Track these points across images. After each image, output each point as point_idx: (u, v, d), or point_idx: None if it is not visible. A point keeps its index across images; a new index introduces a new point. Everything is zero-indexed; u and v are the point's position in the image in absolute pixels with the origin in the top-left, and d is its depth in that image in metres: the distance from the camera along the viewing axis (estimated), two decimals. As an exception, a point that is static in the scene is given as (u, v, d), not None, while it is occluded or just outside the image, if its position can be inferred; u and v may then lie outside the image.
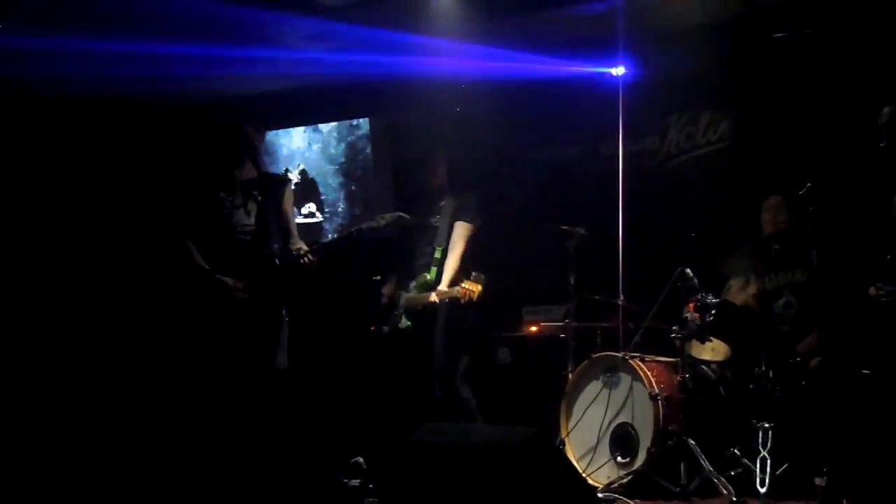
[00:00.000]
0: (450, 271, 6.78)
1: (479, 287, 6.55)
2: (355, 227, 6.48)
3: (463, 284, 6.54)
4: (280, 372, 6.20)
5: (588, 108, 8.72)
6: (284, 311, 6.33)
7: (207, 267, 6.13)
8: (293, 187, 8.67)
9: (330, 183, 10.23)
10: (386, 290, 7.03)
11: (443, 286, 6.75)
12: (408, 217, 6.37)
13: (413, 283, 6.90)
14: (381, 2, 8.16)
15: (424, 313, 6.86)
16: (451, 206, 6.91)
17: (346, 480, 6.27)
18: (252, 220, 6.26)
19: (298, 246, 6.29)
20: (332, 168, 10.25)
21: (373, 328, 7.44)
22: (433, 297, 6.72)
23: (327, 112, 10.33)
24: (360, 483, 6.22)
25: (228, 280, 6.06)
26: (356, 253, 6.64)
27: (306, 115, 10.39)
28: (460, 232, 6.71)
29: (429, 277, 6.76)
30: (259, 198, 6.25)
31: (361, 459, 6.35)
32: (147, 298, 8.60)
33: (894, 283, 5.83)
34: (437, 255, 6.70)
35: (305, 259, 6.12)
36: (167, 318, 7.90)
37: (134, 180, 9.35)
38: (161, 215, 6.66)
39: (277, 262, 6.15)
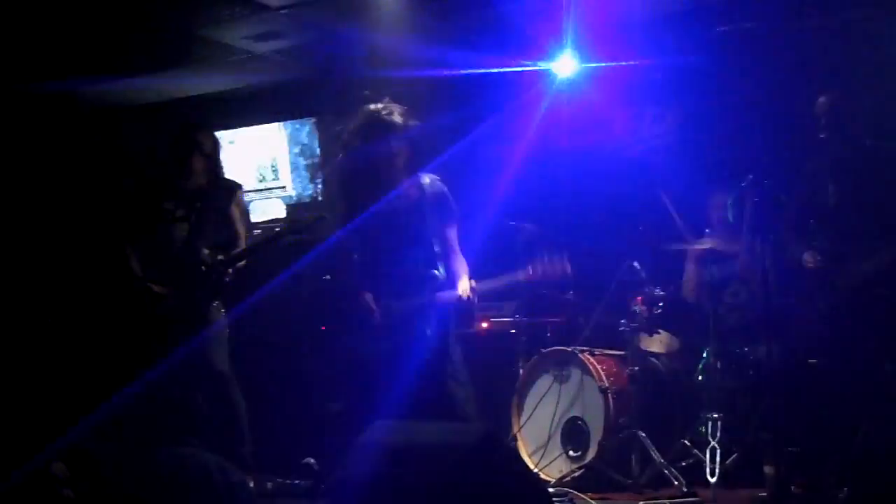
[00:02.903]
0: (464, 272, 6.18)
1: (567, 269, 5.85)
2: (276, 231, 6.39)
3: (539, 266, 5.75)
4: (220, 373, 6.16)
5: (534, 104, 8.74)
6: (224, 314, 6.28)
7: (140, 274, 6.08)
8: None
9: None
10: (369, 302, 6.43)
11: (465, 281, 5.91)
12: (327, 217, 6.18)
13: (414, 287, 6.25)
14: (327, 1, 8.14)
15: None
16: (430, 196, 6.27)
17: (297, 482, 6.27)
18: (193, 229, 6.21)
19: (220, 258, 6.17)
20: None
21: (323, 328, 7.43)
22: (465, 292, 5.80)
23: (275, 113, 10.30)
24: (311, 484, 6.21)
25: (156, 287, 6.01)
26: (296, 255, 6.52)
27: (251, 116, 10.34)
28: (453, 236, 6.21)
29: (439, 275, 6.13)
30: (199, 205, 6.19)
31: (313, 460, 6.33)
32: (84, 300, 8.51)
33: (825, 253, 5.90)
34: (437, 248, 6.11)
35: (221, 269, 6.06)
36: (99, 320, 7.82)
37: (82, 182, 9.27)
38: (105, 220, 6.59)
39: (204, 269, 6.09)
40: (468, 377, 6.16)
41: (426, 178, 5.96)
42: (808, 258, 6.05)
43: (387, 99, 5.99)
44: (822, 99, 6.03)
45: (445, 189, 5.98)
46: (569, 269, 5.86)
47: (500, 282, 5.99)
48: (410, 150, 5.94)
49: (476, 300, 5.81)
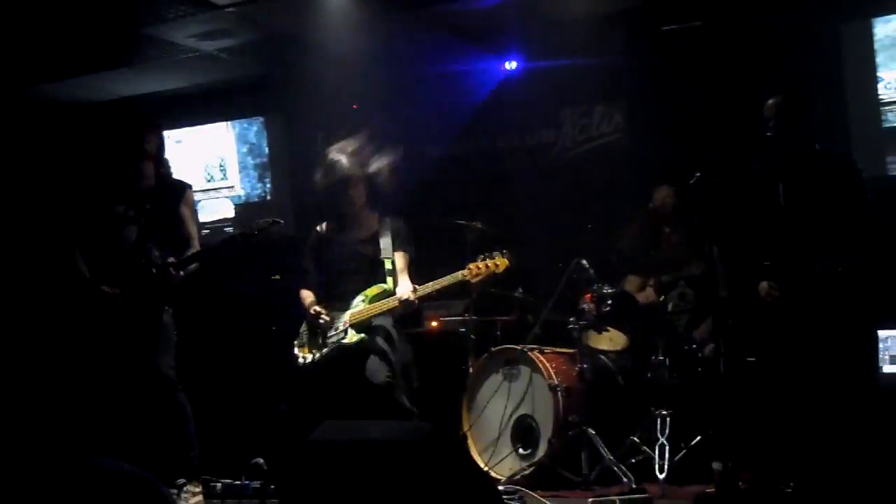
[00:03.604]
0: (408, 286, 6.43)
1: (506, 262, 6.21)
2: (228, 235, 6.36)
3: (476, 265, 6.17)
4: (167, 375, 6.11)
5: (484, 103, 8.77)
6: (172, 316, 6.23)
7: (88, 276, 6.02)
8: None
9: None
10: (321, 310, 6.48)
11: (409, 288, 6.34)
12: (282, 223, 6.22)
13: (361, 298, 6.40)
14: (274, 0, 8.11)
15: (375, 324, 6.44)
16: (387, 227, 6.57)
17: (246, 482, 6.22)
18: (142, 231, 6.15)
19: (170, 260, 6.13)
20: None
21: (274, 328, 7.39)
22: (407, 294, 6.24)
23: (222, 112, 10.25)
24: (260, 484, 6.17)
25: (106, 288, 5.96)
26: (246, 257, 6.53)
27: (199, 115, 10.28)
28: (404, 262, 6.52)
29: (386, 287, 6.42)
30: (149, 207, 6.14)
31: (262, 460, 6.29)
32: (30, 302, 8.40)
33: (783, 279, 5.94)
34: (389, 265, 6.47)
35: (171, 271, 6.03)
36: (48, 322, 7.72)
37: (28, 183, 9.15)
38: (52, 221, 6.50)
39: (154, 271, 6.04)
40: (416, 375, 6.34)
41: (386, 216, 6.59)
42: (765, 289, 6.06)
43: (342, 144, 6.55)
44: (771, 101, 6.06)
45: (403, 224, 6.59)
46: (508, 263, 6.02)
47: (441, 283, 6.27)
48: (369, 188, 6.53)
49: (416, 303, 6.29)
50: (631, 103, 8.57)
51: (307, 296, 6.59)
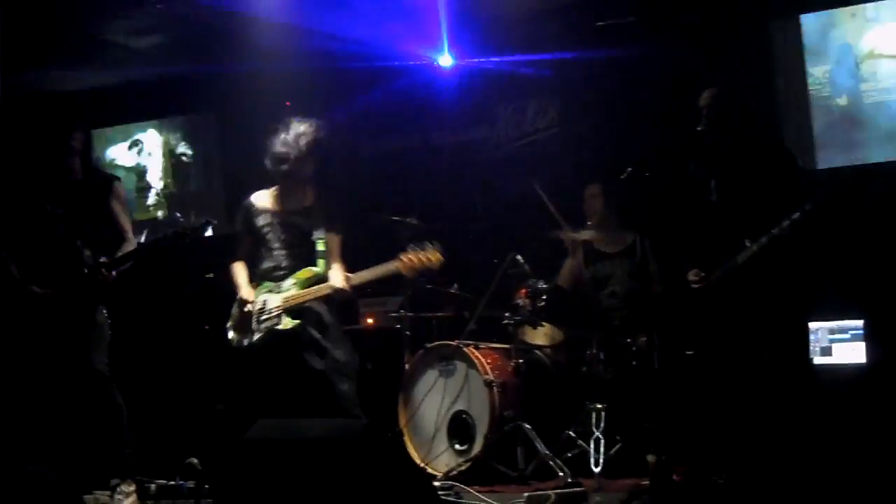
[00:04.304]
0: (340, 271, 6.36)
1: (439, 256, 6.11)
2: (162, 233, 6.28)
3: (409, 256, 6.06)
4: (100, 374, 6.04)
5: (418, 99, 8.77)
6: (106, 314, 6.16)
7: (18, 276, 5.94)
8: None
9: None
10: (246, 295, 6.37)
11: (342, 276, 6.21)
12: (215, 223, 6.17)
13: (292, 281, 6.27)
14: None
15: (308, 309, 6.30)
16: (321, 201, 6.48)
17: (180, 482, 6.17)
18: (71, 228, 6.07)
19: (102, 260, 6.06)
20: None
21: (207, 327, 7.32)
22: (341, 283, 6.13)
23: (153, 108, 10.15)
24: (195, 484, 6.12)
25: (36, 288, 5.88)
26: (180, 255, 6.46)
27: (128, 112, 10.19)
28: (336, 244, 6.43)
29: (318, 271, 6.31)
30: (76, 204, 6.06)
31: (196, 460, 6.23)
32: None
33: (711, 268, 5.99)
34: (321, 246, 6.33)
35: (103, 272, 5.96)
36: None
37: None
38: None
39: (86, 271, 5.97)
40: (353, 371, 6.29)
41: (318, 187, 6.39)
42: (693, 276, 6.12)
43: (286, 123, 6.39)
44: (706, 92, 6.11)
45: (334, 197, 6.43)
46: (441, 258, 6.00)
47: (374, 273, 6.20)
48: (303, 164, 6.33)
49: (350, 291, 6.20)
50: (565, 99, 8.61)
51: (238, 273, 6.49)
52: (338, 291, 6.19)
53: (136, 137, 10.37)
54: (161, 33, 8.67)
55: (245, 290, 6.39)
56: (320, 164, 6.43)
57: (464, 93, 8.68)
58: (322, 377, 6.15)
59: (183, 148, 10.16)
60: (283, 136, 6.33)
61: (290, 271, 6.33)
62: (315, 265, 6.29)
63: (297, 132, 6.33)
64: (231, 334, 6.44)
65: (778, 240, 5.68)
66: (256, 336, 6.31)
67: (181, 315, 8.33)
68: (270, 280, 6.36)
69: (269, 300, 6.29)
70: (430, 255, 6.07)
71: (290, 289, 6.27)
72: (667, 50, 7.94)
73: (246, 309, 6.33)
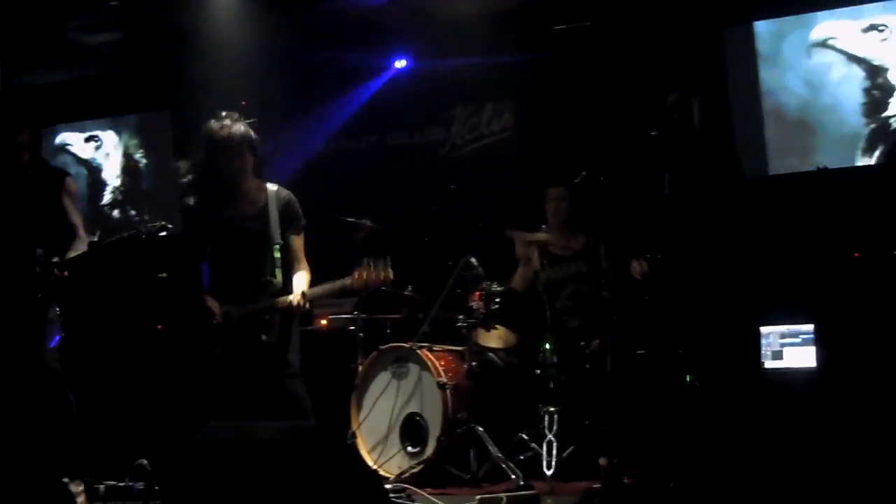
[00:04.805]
0: (305, 281, 6.18)
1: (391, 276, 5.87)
2: (116, 237, 6.20)
3: (362, 272, 5.99)
4: (52, 372, 5.98)
5: (373, 100, 8.76)
6: (58, 312, 6.10)
7: None
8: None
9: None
10: (213, 306, 5.95)
11: (302, 289, 5.89)
12: (171, 227, 6.06)
13: (252, 291, 5.90)
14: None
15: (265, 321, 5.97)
16: (275, 201, 6.26)
17: (130, 483, 6.13)
18: (21, 226, 6.01)
19: (55, 260, 5.99)
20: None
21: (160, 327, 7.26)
22: (297, 300, 5.81)
23: (106, 106, 10.08)
24: (144, 485, 6.08)
25: None
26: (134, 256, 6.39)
27: (81, 109, 10.10)
28: (298, 245, 6.20)
29: (275, 281, 6.13)
30: (26, 201, 6.00)
31: (146, 461, 6.19)
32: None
33: (660, 260, 6.02)
34: (277, 254, 6.11)
35: (55, 271, 5.90)
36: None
37: None
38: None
39: (38, 270, 5.91)
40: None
41: (273, 186, 5.99)
42: (636, 267, 6.14)
43: (226, 114, 5.97)
44: (673, 95, 6.14)
45: (292, 197, 6.02)
46: (391, 275, 5.90)
47: (327, 288, 5.95)
48: (255, 159, 5.95)
49: (307, 307, 5.89)
50: (520, 102, 8.63)
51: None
52: (294, 308, 5.85)
53: (93, 133, 10.28)
54: (116, 31, 8.59)
55: (212, 303, 5.94)
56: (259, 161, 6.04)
57: (419, 95, 8.69)
58: (279, 382, 6.02)
59: (137, 147, 10.09)
60: (219, 132, 5.86)
61: (249, 279, 5.96)
62: (274, 275, 5.94)
63: (234, 130, 5.88)
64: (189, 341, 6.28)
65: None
66: (223, 349, 6.11)
67: (133, 314, 8.27)
68: (230, 291, 5.96)
69: (231, 312, 5.93)
70: (381, 273, 5.91)
71: (250, 301, 5.90)
72: (622, 54, 7.99)
73: (213, 321, 5.98)
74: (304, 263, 6.02)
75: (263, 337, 5.89)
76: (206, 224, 5.99)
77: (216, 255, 6.04)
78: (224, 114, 5.99)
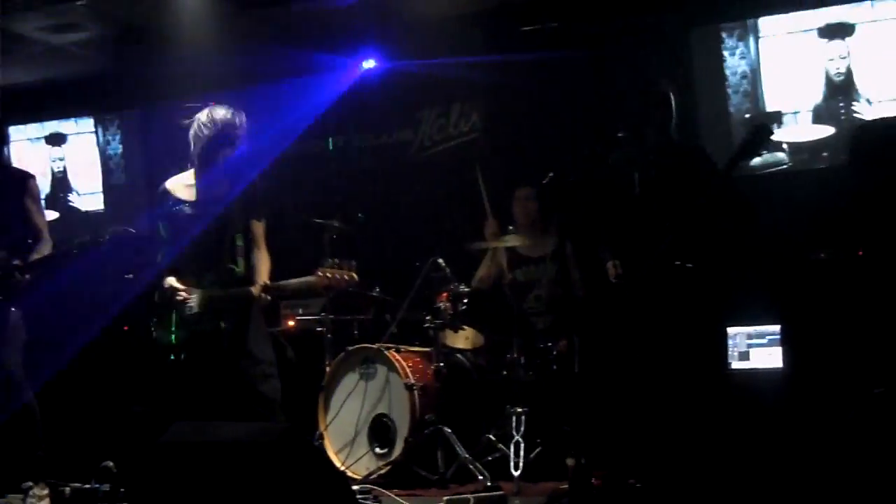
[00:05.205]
0: (265, 269, 6.15)
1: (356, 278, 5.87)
2: (78, 240, 6.15)
3: (327, 272, 5.96)
4: (13, 375, 5.94)
5: (341, 101, 8.73)
6: (20, 315, 6.06)
7: None
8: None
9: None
10: (173, 287, 5.85)
11: (263, 282, 5.85)
12: (134, 232, 6.04)
13: (212, 278, 5.84)
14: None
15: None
16: (237, 197, 6.24)
17: (96, 486, 6.09)
18: None
19: (17, 262, 5.97)
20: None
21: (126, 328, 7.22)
22: (257, 292, 5.80)
23: (72, 107, 10.02)
24: (110, 487, 6.05)
25: None
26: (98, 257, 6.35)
27: (50, 109, 10.04)
28: (259, 232, 6.17)
29: (237, 270, 6.09)
30: None
31: (111, 463, 6.16)
32: None
33: (632, 261, 6.01)
34: (240, 241, 6.06)
35: (17, 274, 5.86)
36: None
37: None
38: None
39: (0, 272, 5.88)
40: (275, 372, 6.10)
41: (234, 172, 5.94)
42: (611, 268, 6.15)
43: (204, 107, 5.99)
44: (656, 90, 6.15)
45: (254, 182, 5.98)
46: (356, 276, 5.89)
47: (292, 284, 5.95)
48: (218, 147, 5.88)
49: (268, 299, 5.90)
50: (488, 103, 8.64)
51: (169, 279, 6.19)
52: (256, 299, 5.85)
53: (58, 131, 10.21)
54: (82, 30, 8.54)
55: (172, 283, 5.86)
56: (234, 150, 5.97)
57: (387, 96, 8.67)
58: (242, 378, 5.97)
59: (104, 144, 10.02)
60: (200, 117, 5.92)
61: (211, 266, 5.89)
62: (235, 263, 5.87)
63: (215, 115, 5.89)
64: (155, 331, 6.13)
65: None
66: (178, 333, 6.07)
67: (100, 315, 8.21)
68: (191, 275, 5.91)
69: (192, 297, 5.87)
70: (346, 274, 5.89)
71: (211, 287, 5.85)
72: (590, 55, 8.00)
73: (177, 297, 5.84)
74: (264, 252, 5.94)
75: (222, 324, 5.81)
76: (171, 206, 5.94)
77: (179, 239, 5.92)
78: (216, 104, 5.99)
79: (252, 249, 5.87)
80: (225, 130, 5.88)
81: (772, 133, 5.54)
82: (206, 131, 5.85)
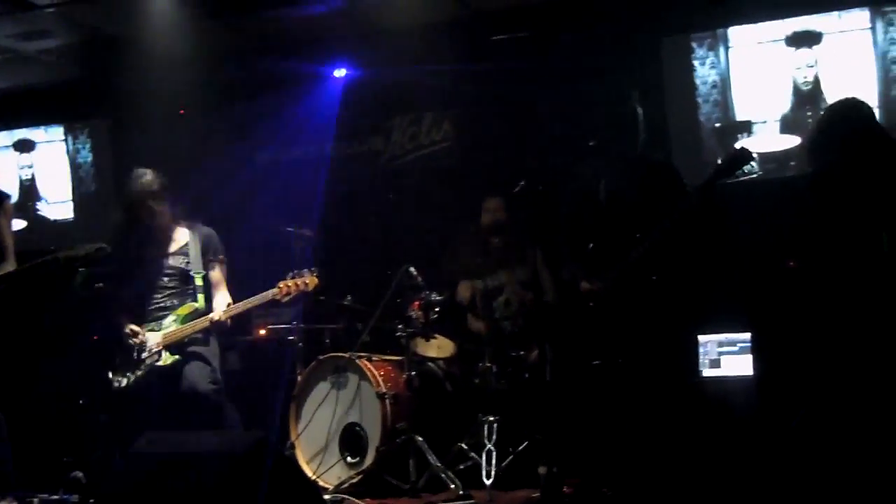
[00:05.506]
0: (225, 300, 6.51)
1: (316, 281, 6.38)
2: (52, 255, 6.14)
3: (286, 283, 6.33)
4: None
5: (313, 110, 8.72)
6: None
7: None
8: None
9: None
10: (132, 331, 6.44)
11: (223, 309, 6.43)
12: (108, 248, 6.08)
13: (172, 318, 6.40)
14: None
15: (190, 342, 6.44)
16: (196, 238, 6.57)
17: (64, 497, 6.06)
18: None
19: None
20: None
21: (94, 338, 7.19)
22: (218, 315, 6.34)
23: (42, 116, 9.96)
24: (79, 498, 6.02)
25: None
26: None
27: (18, 118, 9.98)
28: (219, 275, 6.57)
29: (197, 306, 6.43)
30: None
31: (81, 474, 6.14)
32: None
33: (599, 271, 6.02)
34: (199, 281, 6.47)
35: None
36: None
37: None
38: None
39: None
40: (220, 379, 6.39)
41: (194, 225, 6.65)
42: (585, 287, 6.14)
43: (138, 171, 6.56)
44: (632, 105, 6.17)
45: (212, 233, 6.66)
46: (316, 281, 6.32)
47: (252, 302, 6.42)
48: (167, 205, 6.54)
49: (229, 323, 6.39)
50: (460, 111, 8.64)
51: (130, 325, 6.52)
52: (215, 324, 6.37)
53: (26, 137, 10.15)
54: (52, 37, 8.50)
55: (131, 326, 6.45)
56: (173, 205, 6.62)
57: (359, 104, 8.66)
58: (208, 402, 6.21)
59: (74, 153, 9.96)
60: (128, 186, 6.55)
61: (174, 309, 6.47)
62: (195, 300, 6.46)
63: (139, 181, 6.50)
64: (112, 376, 6.42)
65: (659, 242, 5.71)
66: (138, 373, 6.32)
67: (68, 325, 8.16)
68: (153, 320, 6.46)
69: (149, 338, 6.39)
70: (306, 281, 6.35)
71: (170, 325, 6.41)
72: (561, 64, 8.01)
73: (134, 340, 6.39)
74: (223, 291, 6.56)
75: (177, 357, 6.33)
76: (133, 266, 6.57)
77: (140, 289, 6.57)
78: (137, 171, 6.57)
79: (214, 288, 6.52)
80: (156, 196, 6.49)
81: (752, 158, 5.60)
82: (140, 199, 6.49)
